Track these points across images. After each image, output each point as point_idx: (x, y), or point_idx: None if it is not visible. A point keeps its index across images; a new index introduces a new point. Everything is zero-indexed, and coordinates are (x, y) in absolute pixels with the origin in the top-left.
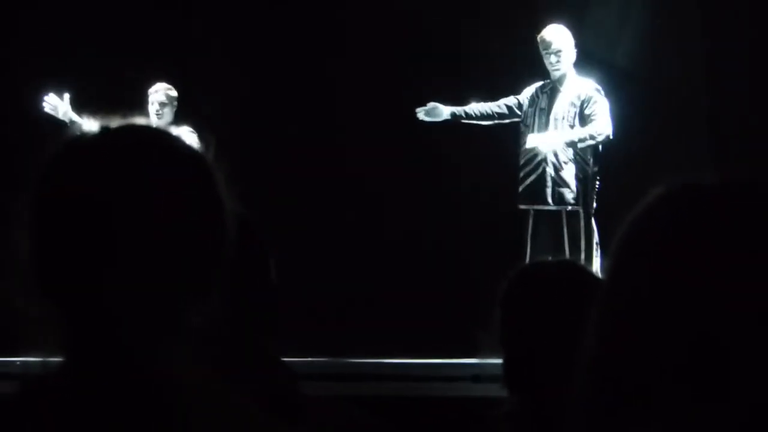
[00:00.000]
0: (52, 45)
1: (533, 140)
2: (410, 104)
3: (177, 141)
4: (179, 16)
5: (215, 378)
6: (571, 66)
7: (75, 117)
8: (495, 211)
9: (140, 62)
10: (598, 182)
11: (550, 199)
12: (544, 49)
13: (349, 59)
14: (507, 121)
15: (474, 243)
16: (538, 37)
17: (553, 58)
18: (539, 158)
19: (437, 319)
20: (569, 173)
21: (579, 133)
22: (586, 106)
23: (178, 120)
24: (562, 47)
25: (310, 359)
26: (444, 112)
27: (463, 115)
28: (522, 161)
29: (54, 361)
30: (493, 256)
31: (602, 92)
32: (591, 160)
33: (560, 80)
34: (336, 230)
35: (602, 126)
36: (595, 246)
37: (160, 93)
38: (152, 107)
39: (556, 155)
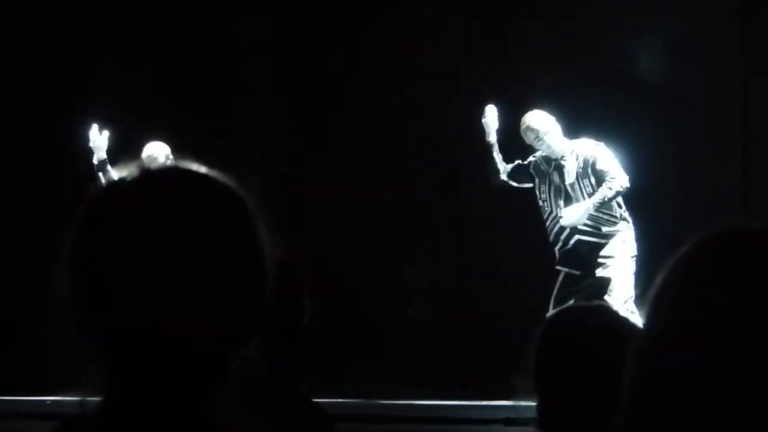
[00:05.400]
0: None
1: (565, 220)
2: (451, 157)
3: (219, 183)
4: (221, 61)
5: (254, 420)
6: (562, 138)
7: (105, 160)
8: (532, 255)
9: (180, 104)
10: (633, 231)
11: (582, 265)
12: (532, 140)
13: (393, 112)
14: (513, 183)
15: (508, 285)
16: (521, 132)
17: (543, 144)
18: (568, 230)
19: (470, 360)
20: (604, 234)
21: (599, 195)
22: (593, 166)
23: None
24: (547, 130)
25: (342, 400)
26: (490, 137)
27: (494, 153)
28: (551, 237)
29: (92, 401)
30: (528, 298)
31: (601, 145)
32: (620, 215)
33: (560, 156)
34: (370, 272)
35: (618, 178)
36: (629, 301)
37: (153, 155)
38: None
39: (584, 223)
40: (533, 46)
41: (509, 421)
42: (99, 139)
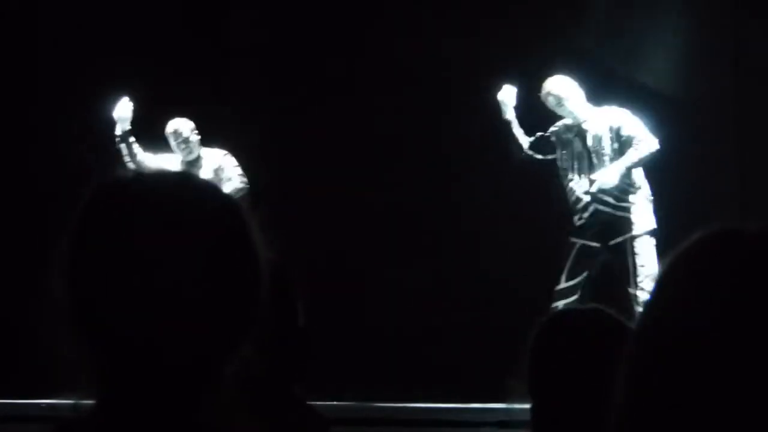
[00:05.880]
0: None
1: (598, 183)
2: (451, 157)
3: (211, 188)
4: (221, 61)
5: (250, 424)
6: (586, 104)
7: (129, 132)
8: (528, 257)
9: (179, 105)
10: (651, 202)
11: (599, 238)
12: (554, 106)
13: (390, 103)
14: (538, 156)
15: (503, 287)
16: (542, 98)
17: (565, 110)
18: (589, 198)
19: (463, 362)
20: (621, 204)
21: (628, 158)
22: (621, 132)
23: (208, 145)
24: (569, 95)
25: (336, 403)
26: (508, 114)
27: (514, 130)
28: (570, 203)
29: (86, 403)
30: (523, 301)
31: (627, 111)
32: (638, 184)
33: (583, 121)
34: (364, 275)
35: (646, 142)
36: (653, 274)
37: (179, 130)
38: (177, 146)
39: (603, 191)
40: (529, 48)
41: (503, 424)
42: (124, 110)
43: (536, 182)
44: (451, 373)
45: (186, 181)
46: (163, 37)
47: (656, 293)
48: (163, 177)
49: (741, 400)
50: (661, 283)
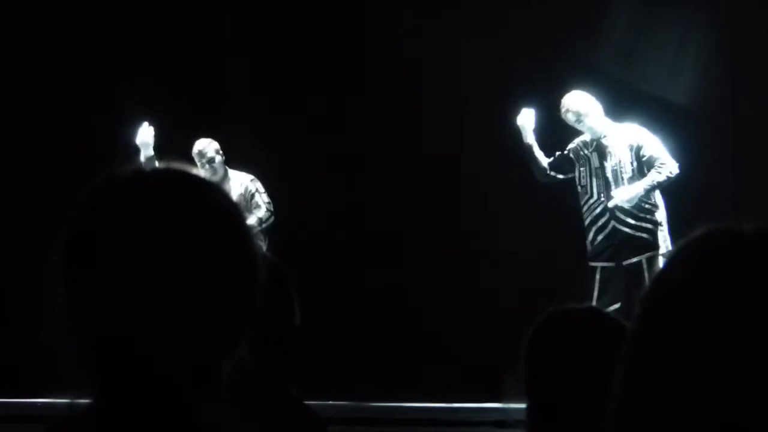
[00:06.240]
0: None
1: (615, 200)
2: (449, 158)
3: (209, 186)
4: (223, 60)
5: (245, 423)
6: (604, 118)
7: (153, 157)
8: (524, 258)
9: (179, 104)
10: (667, 222)
11: (622, 254)
12: (573, 122)
13: (400, 126)
14: (560, 176)
15: (500, 288)
16: (562, 115)
17: (584, 126)
18: (607, 216)
19: (460, 362)
20: (639, 224)
21: (649, 180)
22: (642, 152)
23: (233, 167)
24: (587, 111)
25: (333, 403)
26: (528, 138)
27: (535, 153)
28: (587, 221)
29: (81, 402)
30: (520, 301)
31: (645, 130)
32: (657, 203)
33: (602, 136)
34: (362, 273)
35: (669, 164)
36: None
37: (204, 150)
38: (202, 166)
39: (622, 209)
40: (525, 48)
41: (500, 424)
42: (147, 136)
43: (537, 185)
44: (449, 372)
45: (184, 179)
46: (176, 56)
47: (653, 292)
48: (161, 175)
49: (738, 398)
50: (658, 282)
